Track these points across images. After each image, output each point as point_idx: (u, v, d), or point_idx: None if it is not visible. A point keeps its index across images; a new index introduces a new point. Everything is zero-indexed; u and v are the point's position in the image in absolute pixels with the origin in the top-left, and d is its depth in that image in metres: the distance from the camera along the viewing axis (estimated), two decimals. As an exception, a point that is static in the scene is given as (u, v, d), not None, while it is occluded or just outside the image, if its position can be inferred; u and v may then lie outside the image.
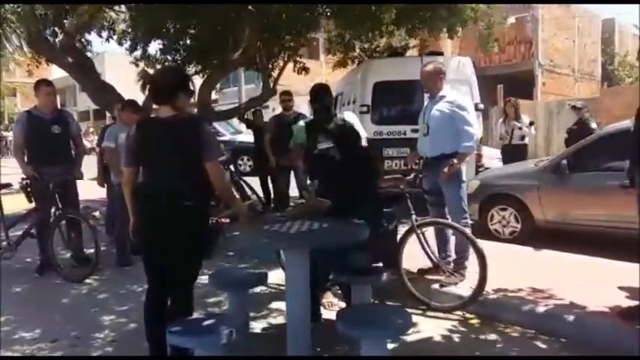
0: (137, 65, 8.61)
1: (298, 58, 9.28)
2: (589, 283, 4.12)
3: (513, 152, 7.90)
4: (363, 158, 3.84)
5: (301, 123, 4.55)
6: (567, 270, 4.57)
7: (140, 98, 5.45)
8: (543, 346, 3.37)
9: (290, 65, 9.20)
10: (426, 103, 4.69)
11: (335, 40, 9.45)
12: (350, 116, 4.48)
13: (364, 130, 4.48)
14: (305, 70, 9.22)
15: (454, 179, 4.22)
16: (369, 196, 3.67)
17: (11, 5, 7.10)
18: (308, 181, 4.47)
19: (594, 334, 3.35)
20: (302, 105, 9.10)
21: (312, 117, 4.48)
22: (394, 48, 9.38)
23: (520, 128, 8.00)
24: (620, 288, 3.92)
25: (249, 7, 5.90)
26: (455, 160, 4.13)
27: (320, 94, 4.26)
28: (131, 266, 5.20)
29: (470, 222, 4.32)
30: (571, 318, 3.52)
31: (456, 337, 3.54)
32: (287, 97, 6.95)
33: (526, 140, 8.12)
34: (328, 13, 7.34)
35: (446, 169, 4.11)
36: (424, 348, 3.39)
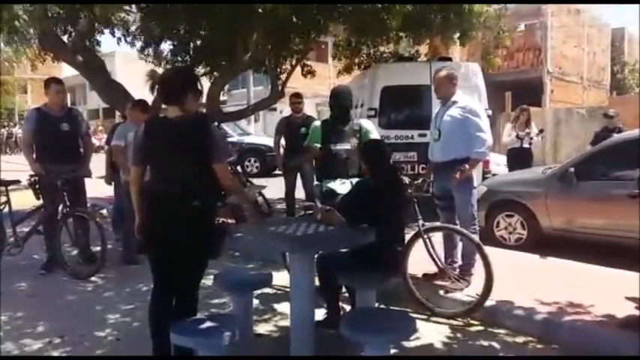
0: (147, 61, 8.66)
1: (306, 62, 9.29)
2: (594, 292, 4.09)
3: (520, 155, 8.23)
4: (394, 184, 3.60)
5: (317, 123, 4.59)
6: (573, 278, 4.54)
7: (150, 97, 5.48)
8: (545, 353, 3.37)
9: (298, 68, 9.22)
10: (435, 108, 4.68)
11: (342, 45, 9.46)
12: (367, 123, 4.52)
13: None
14: (311, 73, 9.23)
15: (465, 185, 4.21)
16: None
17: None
18: (315, 182, 4.49)
19: (596, 343, 3.34)
20: (309, 108, 9.11)
21: (326, 117, 4.54)
22: (400, 54, 9.39)
23: (531, 138, 8.31)
24: (627, 298, 3.89)
25: (259, 9, 5.92)
26: (467, 166, 4.13)
27: (341, 96, 4.34)
28: (137, 265, 5.22)
29: (477, 228, 4.31)
30: (574, 326, 3.51)
31: (458, 344, 3.53)
32: (297, 100, 6.99)
33: (532, 145, 8.42)
34: (337, 17, 7.35)
35: (457, 175, 4.11)
36: (426, 353, 3.38)
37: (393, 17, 6.78)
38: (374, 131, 4.44)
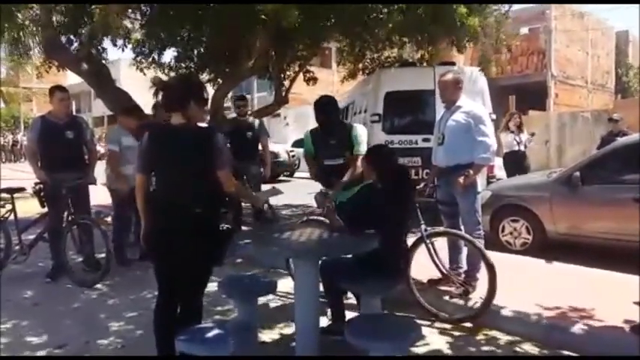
0: (138, 68, 8.68)
1: (309, 68, 9.31)
2: (600, 297, 4.07)
3: (516, 159, 8.42)
4: (405, 187, 3.53)
5: (307, 132, 4.52)
6: (578, 283, 4.52)
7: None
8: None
9: (301, 73, 9.26)
10: (439, 112, 4.67)
11: (345, 51, 9.49)
12: (359, 128, 4.34)
13: (376, 140, 4.46)
14: (314, 79, 9.26)
15: (469, 190, 4.18)
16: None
17: (29, 12, 7.21)
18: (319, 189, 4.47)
19: (604, 348, 3.30)
20: (312, 113, 9.11)
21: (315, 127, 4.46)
22: (404, 59, 9.41)
23: (529, 141, 8.61)
24: (636, 303, 3.85)
25: (262, 16, 5.95)
26: (471, 171, 4.11)
27: (327, 107, 4.20)
28: (128, 266, 5.35)
29: (482, 233, 4.29)
30: (580, 331, 3.48)
31: (463, 349, 3.51)
32: (241, 103, 6.93)
33: (527, 149, 8.66)
34: (336, 23, 7.36)
35: (461, 180, 4.09)
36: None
37: (387, 21, 6.83)
38: (364, 136, 4.21)
